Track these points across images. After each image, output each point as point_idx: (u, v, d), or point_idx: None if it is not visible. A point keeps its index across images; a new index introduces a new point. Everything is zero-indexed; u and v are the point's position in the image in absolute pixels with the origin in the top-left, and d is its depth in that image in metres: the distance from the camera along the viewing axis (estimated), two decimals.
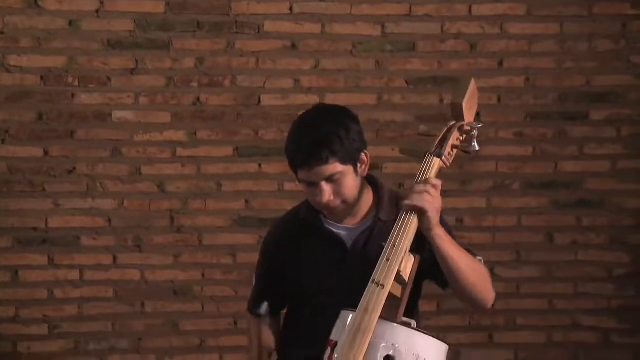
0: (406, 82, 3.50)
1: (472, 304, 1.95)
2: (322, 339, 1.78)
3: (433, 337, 1.73)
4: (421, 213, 1.77)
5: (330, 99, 3.34)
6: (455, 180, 3.50)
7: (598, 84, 3.51)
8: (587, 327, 3.57)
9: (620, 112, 3.52)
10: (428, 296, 3.42)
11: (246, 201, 3.48)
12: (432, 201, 1.77)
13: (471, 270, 1.86)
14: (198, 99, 3.44)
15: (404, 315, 1.84)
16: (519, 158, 3.53)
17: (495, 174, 3.54)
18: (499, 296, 3.53)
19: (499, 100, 3.52)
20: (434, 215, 1.78)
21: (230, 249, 3.46)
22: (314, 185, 1.87)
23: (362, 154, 1.92)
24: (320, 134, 1.84)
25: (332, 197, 1.87)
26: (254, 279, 2.13)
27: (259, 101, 3.46)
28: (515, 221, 3.55)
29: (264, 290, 2.09)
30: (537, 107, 3.53)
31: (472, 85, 1.93)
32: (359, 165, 1.91)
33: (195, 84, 3.44)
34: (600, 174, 3.54)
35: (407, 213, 1.79)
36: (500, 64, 3.52)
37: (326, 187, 1.86)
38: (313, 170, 1.84)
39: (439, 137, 1.89)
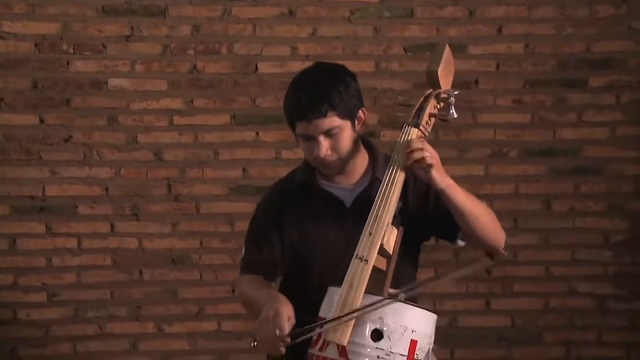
0: (404, 49, 3.47)
1: (488, 247, 1.97)
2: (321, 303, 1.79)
3: (421, 307, 1.74)
4: (428, 170, 1.79)
5: None
6: (453, 148, 3.50)
7: (598, 50, 3.49)
8: (583, 293, 3.59)
9: (620, 79, 3.50)
10: (426, 263, 3.43)
11: (243, 169, 3.47)
12: (432, 155, 1.79)
13: (484, 213, 1.91)
14: (194, 66, 3.42)
15: (405, 283, 1.84)
16: (517, 125, 3.52)
17: (493, 141, 3.53)
18: (496, 263, 3.58)
19: (497, 67, 3.50)
20: (440, 168, 1.80)
21: (227, 217, 3.46)
22: (311, 139, 1.88)
23: (360, 111, 1.94)
24: (320, 88, 1.86)
25: (329, 152, 1.88)
26: (244, 247, 2.09)
27: (256, 69, 3.44)
28: (513, 189, 3.55)
29: (257, 254, 2.04)
30: (536, 74, 3.50)
31: (447, 52, 1.93)
32: (356, 121, 1.92)
33: (191, 52, 3.41)
34: (598, 141, 3.53)
35: (387, 185, 1.80)
36: (499, 30, 3.48)
37: (324, 142, 1.87)
38: (312, 124, 1.85)
39: (416, 107, 1.90)
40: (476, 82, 3.50)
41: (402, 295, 1.75)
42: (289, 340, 1.71)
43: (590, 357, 3.61)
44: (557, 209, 3.56)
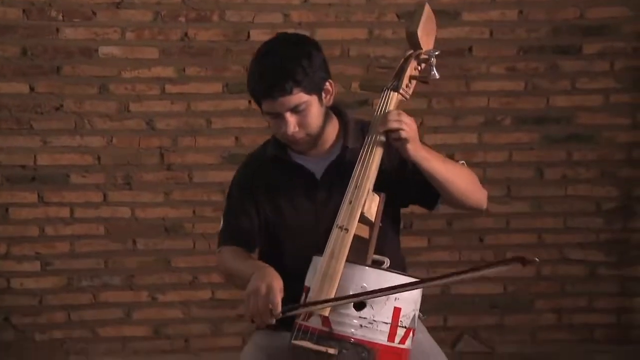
0: (397, 16, 3.44)
1: (469, 208, 1.98)
2: (302, 274, 1.78)
3: (404, 274, 1.72)
4: (403, 143, 1.77)
5: (321, 34, 3.29)
6: (446, 116, 3.49)
7: (592, 16, 3.46)
8: (575, 260, 3.61)
9: (614, 45, 3.48)
10: (419, 232, 3.48)
11: (236, 138, 3.46)
12: (409, 129, 1.76)
13: (460, 177, 1.88)
14: (186, 34, 3.38)
15: (390, 251, 1.84)
16: (510, 93, 3.51)
17: (486, 109, 3.52)
18: (489, 231, 3.60)
19: (491, 34, 3.47)
20: (415, 141, 1.78)
21: (220, 186, 3.45)
22: (278, 116, 1.84)
23: (327, 83, 1.89)
24: (283, 64, 1.80)
25: (297, 129, 1.85)
26: (223, 219, 2.06)
27: (248, 36, 3.40)
28: (506, 156, 3.54)
29: (236, 225, 2.01)
30: (529, 41, 3.48)
31: (427, 10, 1.86)
32: (323, 95, 1.89)
33: (182, 19, 3.37)
34: (591, 108, 3.52)
35: (367, 152, 1.79)
36: None
37: (291, 119, 1.83)
38: (277, 102, 1.81)
39: (396, 70, 1.85)
40: (470, 49, 3.47)
41: (387, 263, 1.74)
42: (280, 314, 1.69)
43: (582, 323, 3.64)
44: (549, 176, 3.57)
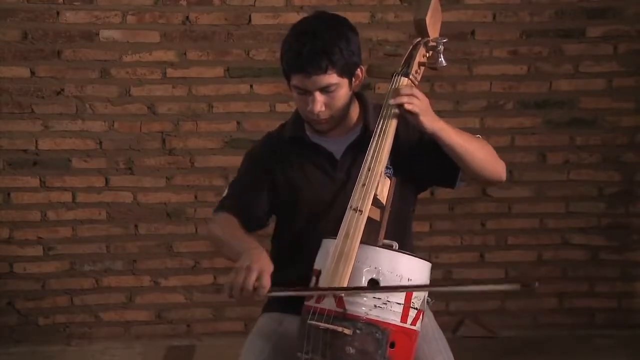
0: (400, 0, 3.42)
1: (489, 181, 1.97)
2: (314, 252, 1.78)
3: (415, 256, 1.74)
4: (415, 116, 1.77)
5: None
6: (448, 100, 3.48)
7: None
8: (576, 245, 3.61)
9: (618, 28, 3.46)
10: (421, 217, 3.48)
11: (238, 123, 3.45)
12: (420, 102, 1.77)
13: (479, 149, 1.88)
14: (187, 17, 3.36)
15: (398, 235, 1.85)
16: (513, 77, 3.49)
17: (489, 93, 3.50)
18: (490, 216, 3.59)
19: (494, 17, 3.45)
20: (428, 113, 1.78)
21: (222, 170, 3.45)
22: (306, 93, 1.86)
23: (358, 69, 1.91)
24: (322, 43, 1.81)
25: (323, 108, 1.87)
26: (228, 188, 2.05)
27: (250, 20, 3.38)
28: (508, 141, 3.54)
29: (238, 198, 2.00)
30: (532, 24, 3.46)
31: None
32: (353, 79, 1.90)
33: (184, 2, 3.35)
34: (595, 92, 3.51)
35: (379, 135, 1.79)
36: None
37: (319, 97, 1.85)
38: (310, 79, 1.83)
39: (405, 56, 1.88)
40: (472, 33, 3.46)
41: (396, 245, 1.75)
42: (265, 296, 1.67)
43: (583, 307, 3.65)
44: (552, 161, 3.56)
